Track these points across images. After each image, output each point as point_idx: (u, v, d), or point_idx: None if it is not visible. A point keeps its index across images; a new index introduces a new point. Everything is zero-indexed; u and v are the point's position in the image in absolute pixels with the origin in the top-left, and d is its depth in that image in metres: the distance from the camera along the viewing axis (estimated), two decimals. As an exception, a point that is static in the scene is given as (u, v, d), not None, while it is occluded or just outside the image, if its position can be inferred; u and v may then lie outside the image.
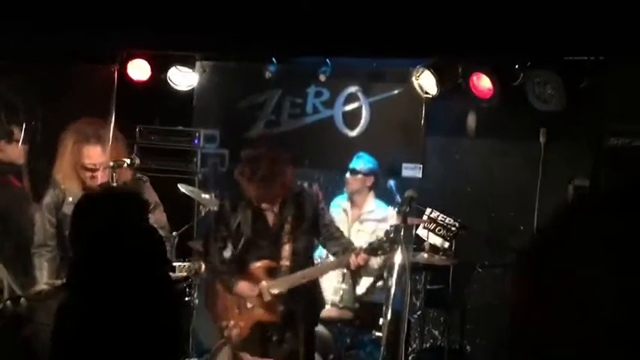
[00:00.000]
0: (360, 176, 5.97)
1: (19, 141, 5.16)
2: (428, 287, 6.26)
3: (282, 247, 4.75)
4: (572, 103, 5.40)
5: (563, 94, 5.41)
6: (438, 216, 5.67)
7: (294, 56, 5.92)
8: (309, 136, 6.80)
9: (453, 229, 5.66)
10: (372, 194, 6.07)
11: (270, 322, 4.83)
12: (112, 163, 4.53)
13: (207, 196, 5.77)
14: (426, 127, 6.37)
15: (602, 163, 4.74)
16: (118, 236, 2.07)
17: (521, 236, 6.13)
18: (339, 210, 6.00)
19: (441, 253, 5.74)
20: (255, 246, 4.81)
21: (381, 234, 5.00)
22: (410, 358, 5.75)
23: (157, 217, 4.86)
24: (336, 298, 5.67)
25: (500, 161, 6.34)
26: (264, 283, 4.78)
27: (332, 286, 5.69)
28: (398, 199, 5.68)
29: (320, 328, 5.56)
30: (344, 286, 5.71)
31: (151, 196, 4.86)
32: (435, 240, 5.70)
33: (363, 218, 6.02)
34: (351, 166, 6.02)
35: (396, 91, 6.48)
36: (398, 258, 4.61)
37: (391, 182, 6.08)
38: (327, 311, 5.61)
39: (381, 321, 4.70)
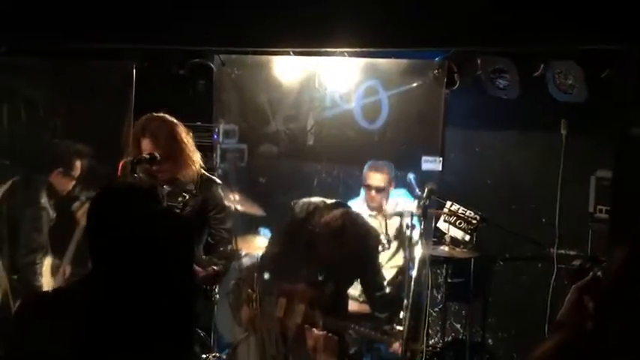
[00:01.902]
0: (383, 192, 5.94)
1: None
2: (449, 280, 6.25)
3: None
4: (593, 93, 5.35)
5: (584, 84, 5.35)
6: (459, 209, 5.65)
7: (308, 52, 5.89)
8: (329, 130, 6.78)
9: (474, 222, 5.64)
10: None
11: None
12: (129, 158, 4.54)
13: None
14: (446, 119, 6.32)
15: (624, 154, 4.68)
16: (132, 222, 2.07)
17: (542, 229, 6.10)
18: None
19: (461, 246, 5.73)
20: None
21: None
22: (430, 351, 5.71)
23: (219, 218, 4.87)
24: (356, 293, 5.65)
25: (520, 153, 6.30)
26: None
27: (352, 280, 5.67)
28: (418, 192, 5.67)
29: (342, 322, 5.56)
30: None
31: (215, 196, 4.87)
32: (456, 233, 5.68)
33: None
34: (372, 182, 5.93)
35: (414, 84, 6.44)
36: (418, 252, 4.60)
37: (410, 176, 6.05)
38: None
39: (401, 315, 4.68)
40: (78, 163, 5.80)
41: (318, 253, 4.71)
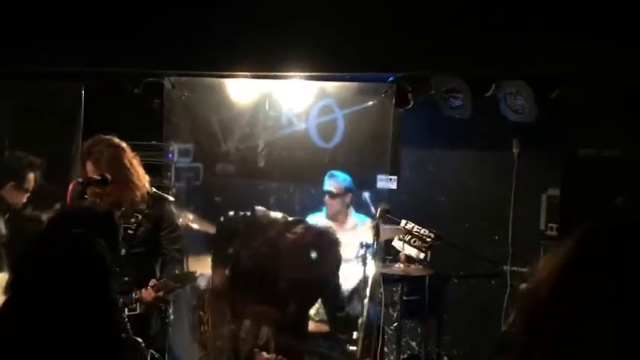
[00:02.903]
0: (338, 199, 6.04)
1: None
2: (404, 298, 6.27)
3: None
4: (543, 113, 5.43)
5: (534, 104, 5.43)
6: (413, 227, 5.68)
7: (267, 75, 5.92)
8: (281, 150, 6.79)
9: (428, 239, 5.68)
10: (351, 210, 6.14)
11: None
12: (80, 180, 4.50)
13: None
14: (400, 138, 6.38)
15: (572, 173, 4.77)
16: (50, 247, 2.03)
17: (495, 246, 6.16)
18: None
19: (416, 264, 5.75)
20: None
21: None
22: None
23: (171, 238, 4.84)
24: (312, 312, 5.65)
25: (474, 172, 6.37)
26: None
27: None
28: (373, 210, 5.71)
29: (302, 344, 5.53)
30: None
31: (167, 215, 4.84)
32: (411, 251, 5.70)
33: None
34: (326, 188, 6.09)
35: (370, 103, 6.48)
36: (371, 271, 4.61)
37: (366, 194, 6.11)
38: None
39: (354, 335, 4.69)
40: (31, 176, 5.69)
41: (282, 268, 4.65)
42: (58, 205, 5.11)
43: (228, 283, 4.71)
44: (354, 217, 6.15)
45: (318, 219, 6.10)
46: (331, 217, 6.10)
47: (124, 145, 4.76)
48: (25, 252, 2.04)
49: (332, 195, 6.08)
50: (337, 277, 4.89)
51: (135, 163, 4.77)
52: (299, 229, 4.59)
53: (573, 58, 4.63)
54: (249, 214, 4.85)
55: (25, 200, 5.70)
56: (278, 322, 4.60)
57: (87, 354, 1.82)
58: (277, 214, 4.96)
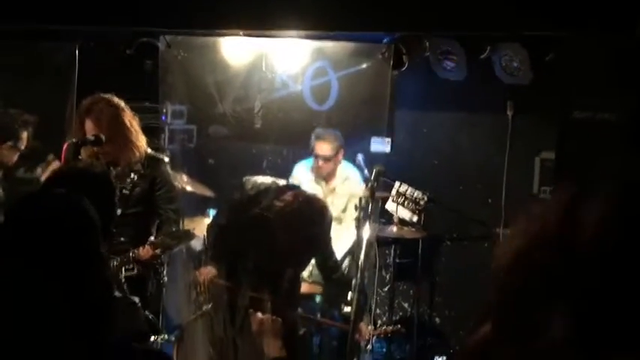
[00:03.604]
0: (331, 161, 5.92)
1: None
2: (397, 261, 6.31)
3: None
4: (538, 76, 5.43)
5: (529, 67, 5.43)
6: (407, 189, 5.70)
7: (262, 33, 5.87)
8: (276, 112, 6.76)
9: (422, 202, 5.70)
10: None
11: None
12: (74, 140, 4.48)
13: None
14: (394, 100, 6.36)
15: (566, 136, 4.78)
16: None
17: (489, 209, 6.19)
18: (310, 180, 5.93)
19: (409, 227, 5.78)
20: None
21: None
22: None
23: (167, 197, 4.83)
24: (305, 274, 5.68)
25: (467, 134, 6.37)
26: None
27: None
28: (366, 173, 5.71)
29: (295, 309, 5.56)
30: (313, 261, 5.72)
31: (162, 175, 4.83)
32: (404, 214, 5.73)
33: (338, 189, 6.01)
34: (321, 153, 5.90)
35: (364, 65, 6.46)
36: (366, 233, 4.62)
37: (360, 156, 6.10)
38: (297, 286, 5.63)
39: (349, 295, 4.72)
40: (24, 135, 5.64)
41: (273, 236, 4.68)
42: (51, 157, 5.04)
43: (224, 248, 4.75)
44: (344, 169, 6.07)
45: (303, 171, 6.03)
46: (325, 177, 6.01)
47: (123, 104, 4.74)
48: (10, 212, 2.03)
49: (326, 159, 5.97)
50: (329, 239, 4.92)
51: (134, 124, 4.75)
52: (288, 196, 4.62)
53: (568, 21, 4.62)
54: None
55: (15, 159, 5.65)
56: (273, 285, 4.64)
57: (77, 312, 1.82)
58: (267, 179, 4.96)
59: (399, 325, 5.17)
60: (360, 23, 5.07)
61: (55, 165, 4.83)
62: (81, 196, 2.02)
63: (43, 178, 4.93)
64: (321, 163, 5.89)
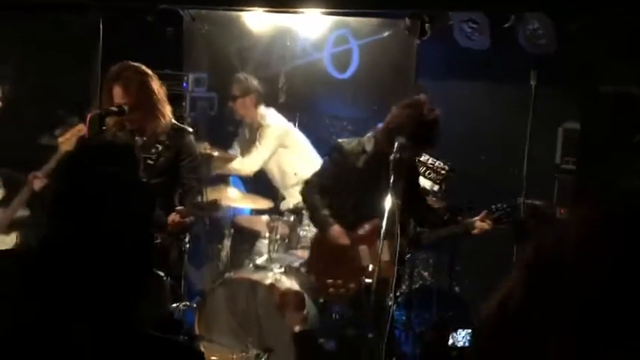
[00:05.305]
0: None
1: None
2: (417, 229, 6.30)
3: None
4: (562, 45, 5.37)
5: (553, 36, 5.36)
6: (428, 159, 5.68)
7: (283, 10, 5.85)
8: (300, 83, 6.74)
9: (443, 172, 5.68)
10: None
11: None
12: (97, 111, 4.49)
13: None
14: (416, 69, 6.31)
15: (592, 110, 4.74)
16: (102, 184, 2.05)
17: (510, 179, 6.16)
18: None
19: (430, 196, 5.76)
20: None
21: None
22: (398, 299, 5.80)
23: (190, 167, 4.84)
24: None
25: (490, 104, 6.32)
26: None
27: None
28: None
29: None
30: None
31: (187, 146, 4.84)
32: (425, 183, 5.71)
33: None
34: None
35: (386, 34, 6.41)
36: (387, 203, 4.61)
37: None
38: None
39: (370, 267, 4.73)
40: None
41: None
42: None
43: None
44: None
45: None
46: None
47: (151, 72, 4.73)
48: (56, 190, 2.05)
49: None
50: None
51: (162, 92, 4.74)
52: None
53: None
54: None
55: None
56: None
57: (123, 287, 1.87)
58: (353, 140, 4.93)
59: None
60: (382, 1, 5.03)
61: (78, 130, 4.80)
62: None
63: (61, 140, 4.91)
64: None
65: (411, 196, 4.79)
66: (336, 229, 4.84)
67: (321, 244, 4.98)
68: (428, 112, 4.64)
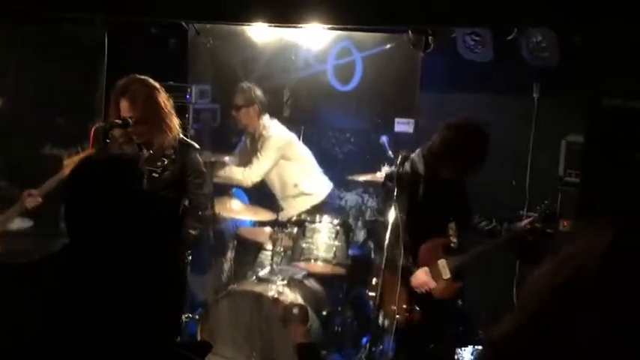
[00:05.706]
0: None
1: None
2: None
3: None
4: (565, 58, 5.38)
5: (556, 48, 5.38)
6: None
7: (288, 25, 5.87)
8: (305, 96, 6.75)
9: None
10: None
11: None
12: (101, 124, 4.50)
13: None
14: (420, 82, 6.32)
15: (595, 124, 4.74)
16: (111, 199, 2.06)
17: (513, 191, 6.16)
18: None
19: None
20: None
21: None
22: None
23: (196, 183, 4.85)
24: (330, 255, 5.71)
25: (493, 116, 6.30)
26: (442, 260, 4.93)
27: (325, 243, 5.73)
28: (390, 154, 5.70)
29: (313, 284, 5.63)
30: (337, 243, 5.75)
31: (192, 162, 4.84)
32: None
33: None
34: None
35: (388, 46, 6.42)
36: (391, 216, 4.62)
37: (384, 138, 6.07)
38: (320, 267, 5.67)
39: (374, 281, 4.74)
40: None
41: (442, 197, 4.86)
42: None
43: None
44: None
45: None
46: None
47: (158, 85, 4.74)
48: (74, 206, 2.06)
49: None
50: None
51: (169, 105, 4.76)
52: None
53: (599, 5, 4.57)
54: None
55: None
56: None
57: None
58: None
59: None
60: (385, 16, 5.03)
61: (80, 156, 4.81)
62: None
63: (66, 163, 4.92)
64: None
65: (464, 213, 5.11)
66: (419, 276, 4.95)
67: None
68: (472, 132, 4.66)
